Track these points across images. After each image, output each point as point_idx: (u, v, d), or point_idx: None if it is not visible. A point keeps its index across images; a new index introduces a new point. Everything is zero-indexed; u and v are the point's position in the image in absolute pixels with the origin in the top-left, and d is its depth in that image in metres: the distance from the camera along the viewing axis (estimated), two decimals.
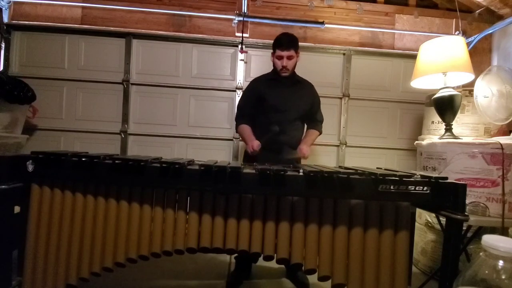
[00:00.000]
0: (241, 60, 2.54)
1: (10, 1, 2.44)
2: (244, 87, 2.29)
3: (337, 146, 2.67)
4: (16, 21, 2.46)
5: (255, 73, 2.40)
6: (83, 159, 1.13)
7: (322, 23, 2.59)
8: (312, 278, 1.16)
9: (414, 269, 1.82)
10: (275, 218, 1.09)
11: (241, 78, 2.56)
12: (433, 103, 1.82)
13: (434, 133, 2.14)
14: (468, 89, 1.99)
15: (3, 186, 1.08)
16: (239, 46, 2.49)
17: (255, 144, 1.65)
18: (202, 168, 1.08)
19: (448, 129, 1.76)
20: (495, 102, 1.89)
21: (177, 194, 1.13)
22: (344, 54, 2.65)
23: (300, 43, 2.59)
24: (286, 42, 1.68)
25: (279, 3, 2.65)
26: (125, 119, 2.53)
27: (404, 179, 1.06)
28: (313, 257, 1.08)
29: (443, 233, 1.52)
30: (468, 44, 2.27)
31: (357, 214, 1.09)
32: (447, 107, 1.73)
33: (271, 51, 1.77)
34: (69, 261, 1.13)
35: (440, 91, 1.76)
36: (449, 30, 2.71)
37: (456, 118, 1.80)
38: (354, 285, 1.07)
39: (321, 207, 1.09)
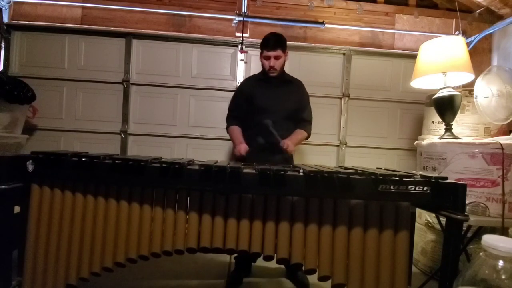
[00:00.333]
0: (241, 60, 2.54)
1: (10, 1, 2.44)
2: None
3: (337, 146, 2.67)
4: (16, 21, 2.46)
5: (255, 73, 2.40)
6: (83, 159, 1.13)
7: (322, 23, 2.59)
8: (312, 278, 1.16)
9: (414, 269, 1.81)
10: (275, 218, 1.09)
11: (241, 78, 2.56)
12: (433, 103, 1.82)
13: (434, 133, 2.14)
14: (468, 89, 1.99)
15: (3, 186, 1.07)
16: (239, 46, 2.49)
17: (242, 148, 1.68)
18: (202, 168, 1.08)
19: (448, 129, 1.76)
20: (495, 102, 1.89)
21: (177, 194, 1.13)
22: (344, 54, 2.65)
23: (300, 43, 2.65)
24: (272, 42, 1.68)
25: (279, 3, 2.65)
26: (125, 119, 2.53)
27: (404, 179, 1.06)
28: (313, 257, 1.08)
29: (443, 233, 1.52)
30: (468, 44, 2.27)
31: (357, 214, 1.09)
32: (447, 107, 1.73)
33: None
34: (69, 261, 1.13)
35: (440, 91, 1.76)
36: (449, 30, 2.71)
37: (456, 118, 1.80)
38: (354, 285, 1.07)
39: (321, 207, 1.09)
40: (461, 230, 1.11)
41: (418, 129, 2.54)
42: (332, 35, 2.68)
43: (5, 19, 2.45)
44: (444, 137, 1.74)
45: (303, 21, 2.60)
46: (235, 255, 1.63)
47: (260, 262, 1.29)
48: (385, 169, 1.20)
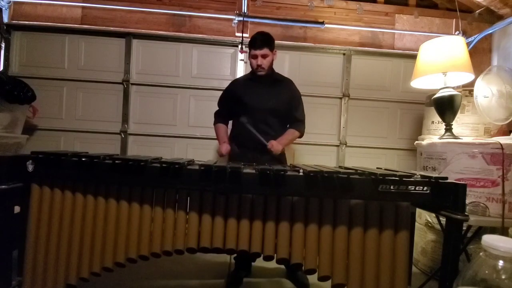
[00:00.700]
0: (241, 60, 2.54)
1: (10, 1, 2.44)
2: None
3: (337, 146, 2.67)
4: (16, 21, 2.46)
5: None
6: (83, 159, 1.13)
7: (322, 23, 2.59)
8: (312, 278, 1.16)
9: (414, 269, 1.81)
10: (275, 218, 1.09)
11: None
12: (433, 103, 1.82)
13: (434, 133, 2.14)
14: (468, 89, 1.99)
15: (3, 186, 1.08)
16: (239, 46, 2.49)
17: (224, 148, 1.71)
18: (202, 168, 1.08)
19: (448, 129, 1.76)
20: (495, 102, 1.89)
21: (177, 194, 1.13)
22: (344, 54, 2.65)
23: (300, 43, 2.65)
24: (259, 41, 1.68)
25: (279, 3, 2.65)
26: (125, 119, 2.53)
27: (404, 179, 1.06)
28: (313, 257, 1.08)
29: (443, 233, 1.52)
30: (468, 44, 2.27)
31: (357, 214, 1.09)
32: (447, 107, 1.73)
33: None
34: (69, 261, 1.13)
35: (440, 91, 1.76)
36: (449, 30, 2.71)
37: (456, 118, 1.80)
38: (354, 285, 1.07)
39: (321, 207, 1.09)
40: (461, 230, 1.11)
41: (418, 129, 2.54)
42: (332, 35, 2.68)
43: (5, 19, 2.45)
44: (444, 137, 1.74)
45: (303, 21, 2.60)
46: (235, 255, 1.63)
47: (260, 262, 1.29)
48: (385, 169, 1.20)
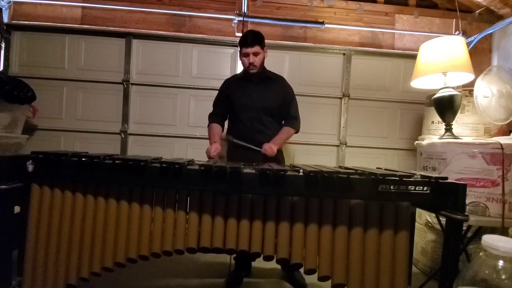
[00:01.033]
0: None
1: (10, 1, 2.44)
2: None
3: (337, 146, 2.67)
4: (16, 21, 2.46)
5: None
6: (83, 159, 1.13)
7: (322, 23, 2.59)
8: (312, 278, 1.16)
9: (414, 269, 1.81)
10: (275, 218, 1.09)
11: None
12: (433, 103, 1.82)
13: (434, 133, 2.14)
14: (468, 89, 1.99)
15: (3, 186, 1.07)
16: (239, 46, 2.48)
17: (212, 149, 1.66)
18: (202, 168, 1.08)
19: (448, 129, 1.76)
20: (495, 102, 1.89)
21: (177, 194, 1.13)
22: (344, 54, 2.65)
23: (300, 43, 2.65)
24: (250, 39, 1.69)
25: (279, 3, 2.65)
26: (125, 119, 2.53)
27: (404, 179, 1.06)
28: (313, 257, 1.08)
29: (443, 233, 1.52)
30: (468, 44, 2.27)
31: (357, 214, 1.09)
32: (447, 107, 1.74)
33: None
34: (69, 261, 1.13)
35: (440, 91, 1.76)
36: (449, 30, 2.71)
37: (456, 118, 1.80)
38: (354, 285, 1.07)
39: (321, 207, 1.09)
40: (461, 230, 1.11)
41: (418, 129, 2.54)
42: (332, 35, 2.68)
43: (5, 19, 2.44)
44: (444, 137, 1.74)
45: (303, 21, 2.60)
46: (235, 255, 1.63)
47: (260, 262, 1.29)
48: (385, 169, 1.20)
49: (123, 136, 2.53)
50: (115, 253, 1.13)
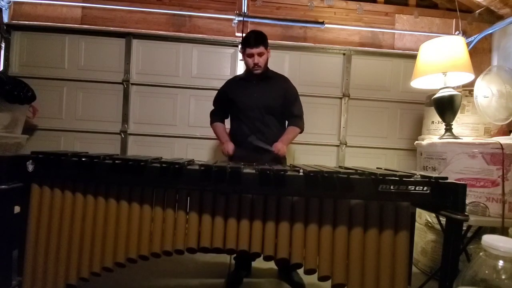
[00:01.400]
0: (241, 60, 2.54)
1: (10, 1, 2.44)
2: None
3: (337, 146, 2.67)
4: (16, 21, 2.46)
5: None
6: (83, 159, 1.13)
7: (322, 23, 2.59)
8: (312, 278, 1.15)
9: (414, 269, 1.81)
10: (275, 218, 1.10)
11: None
12: (433, 103, 1.82)
13: (434, 133, 2.14)
14: (468, 89, 1.99)
15: (3, 186, 1.08)
16: (239, 46, 2.48)
17: (230, 148, 1.71)
18: (202, 168, 1.08)
19: (448, 129, 1.76)
20: (495, 102, 1.89)
21: (177, 194, 1.13)
22: (344, 54, 2.65)
23: (300, 43, 2.65)
24: (254, 39, 1.69)
25: (279, 3, 2.65)
26: (125, 119, 2.53)
27: (404, 179, 1.06)
28: (313, 257, 1.08)
29: (443, 233, 1.52)
30: (468, 44, 2.27)
31: (357, 214, 1.09)
32: (447, 107, 1.73)
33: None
34: (69, 261, 1.14)
35: (440, 91, 1.76)
36: (449, 30, 2.71)
37: (456, 118, 1.80)
38: (354, 285, 1.07)
39: (321, 207, 1.09)
40: (461, 230, 1.11)
41: (418, 129, 2.54)
42: (332, 35, 2.68)
43: (5, 19, 2.44)
44: (444, 137, 1.74)
45: (303, 21, 2.60)
46: (235, 255, 1.63)
47: (260, 262, 1.29)
48: (385, 169, 1.20)
49: (123, 136, 2.53)
50: (115, 253, 1.13)
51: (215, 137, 2.55)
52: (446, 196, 1.06)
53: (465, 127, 2.02)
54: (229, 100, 1.80)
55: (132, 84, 2.54)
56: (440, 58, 1.72)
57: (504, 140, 1.42)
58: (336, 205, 1.09)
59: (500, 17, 2.52)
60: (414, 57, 1.99)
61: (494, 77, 1.92)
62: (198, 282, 1.71)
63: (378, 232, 1.08)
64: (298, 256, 1.08)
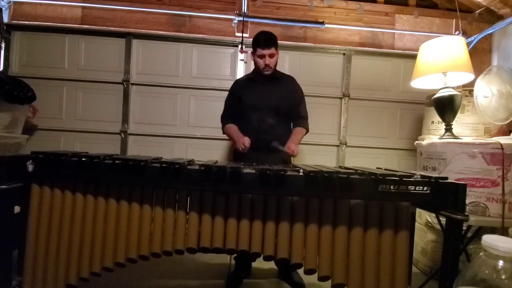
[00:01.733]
0: (241, 60, 2.54)
1: (10, 1, 2.44)
2: None
3: (337, 146, 2.67)
4: (16, 21, 2.46)
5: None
6: (83, 159, 1.13)
7: (322, 23, 2.58)
8: (312, 278, 1.15)
9: (414, 269, 1.81)
10: (275, 218, 1.09)
11: None
12: (433, 103, 1.82)
13: (434, 133, 2.14)
14: (468, 89, 1.99)
15: (3, 186, 1.07)
16: (239, 46, 2.48)
17: (246, 141, 1.66)
18: (202, 168, 1.08)
19: (448, 129, 1.76)
20: (495, 102, 1.89)
21: (177, 194, 1.13)
22: (344, 54, 2.65)
23: (300, 43, 2.65)
24: (266, 40, 1.69)
25: (279, 3, 2.65)
26: (125, 119, 2.53)
27: (404, 179, 1.06)
28: (313, 257, 1.08)
29: (443, 233, 1.52)
30: (468, 44, 2.27)
31: (357, 214, 1.09)
32: (447, 107, 1.74)
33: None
34: (69, 261, 1.13)
35: (440, 91, 1.76)
36: (449, 30, 2.71)
37: (456, 118, 1.80)
38: (354, 285, 1.07)
39: (321, 207, 1.09)
40: (461, 230, 1.11)
41: (418, 129, 2.54)
42: (332, 35, 2.68)
43: (5, 19, 2.44)
44: (444, 137, 1.74)
45: (303, 21, 2.60)
46: (235, 255, 1.63)
47: (260, 263, 1.29)
48: (385, 169, 1.20)
49: (123, 136, 2.53)
50: (115, 253, 1.13)
51: (215, 137, 2.57)
52: (446, 196, 1.06)
53: (465, 127, 2.02)
54: (238, 100, 1.80)
55: (132, 84, 2.54)
56: (440, 58, 1.72)
57: (504, 140, 1.42)
58: (336, 205, 1.09)
59: (500, 17, 2.52)
60: (414, 57, 2.00)
61: (494, 77, 1.92)
62: (198, 282, 1.71)
63: (378, 232, 1.08)
64: (298, 256, 1.08)
